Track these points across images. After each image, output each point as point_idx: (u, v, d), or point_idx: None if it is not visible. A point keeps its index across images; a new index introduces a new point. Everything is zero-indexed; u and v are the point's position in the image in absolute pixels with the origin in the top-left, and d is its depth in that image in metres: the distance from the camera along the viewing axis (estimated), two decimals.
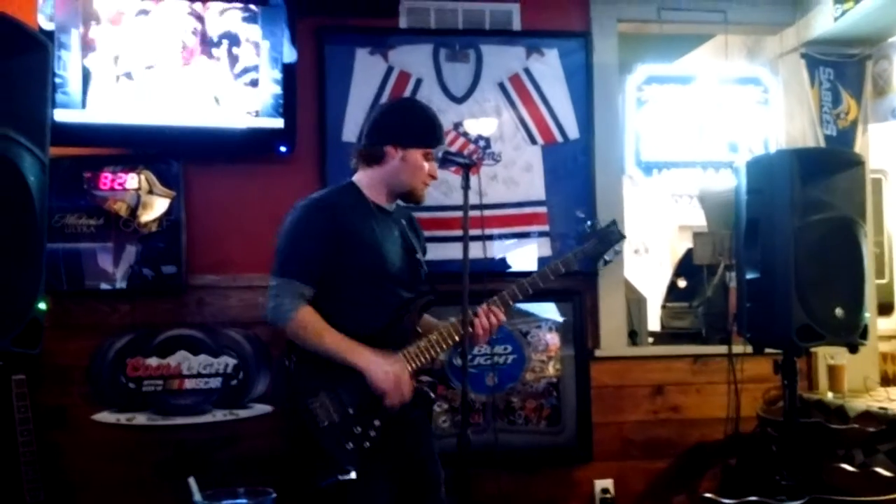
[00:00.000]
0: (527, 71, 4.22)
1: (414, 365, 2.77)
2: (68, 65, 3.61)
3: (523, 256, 4.15)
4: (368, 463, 2.66)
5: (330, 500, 2.71)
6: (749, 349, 3.50)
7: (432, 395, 2.88)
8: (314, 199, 2.88)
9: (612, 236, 3.06)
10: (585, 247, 3.05)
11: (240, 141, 3.82)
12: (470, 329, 2.77)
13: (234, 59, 3.79)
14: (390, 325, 2.81)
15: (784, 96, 4.49)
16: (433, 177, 2.92)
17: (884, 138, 4.92)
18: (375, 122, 2.96)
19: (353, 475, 2.61)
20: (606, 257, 3.09)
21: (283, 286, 2.74)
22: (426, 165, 2.86)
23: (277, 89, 3.83)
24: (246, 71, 3.80)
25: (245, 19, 3.80)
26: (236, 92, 3.79)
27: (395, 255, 2.87)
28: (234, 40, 3.79)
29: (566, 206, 4.19)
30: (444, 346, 2.81)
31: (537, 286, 2.93)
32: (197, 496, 2.99)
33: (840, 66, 4.39)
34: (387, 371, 2.69)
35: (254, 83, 3.80)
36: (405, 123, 2.90)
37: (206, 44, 3.77)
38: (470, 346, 2.87)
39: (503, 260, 4.14)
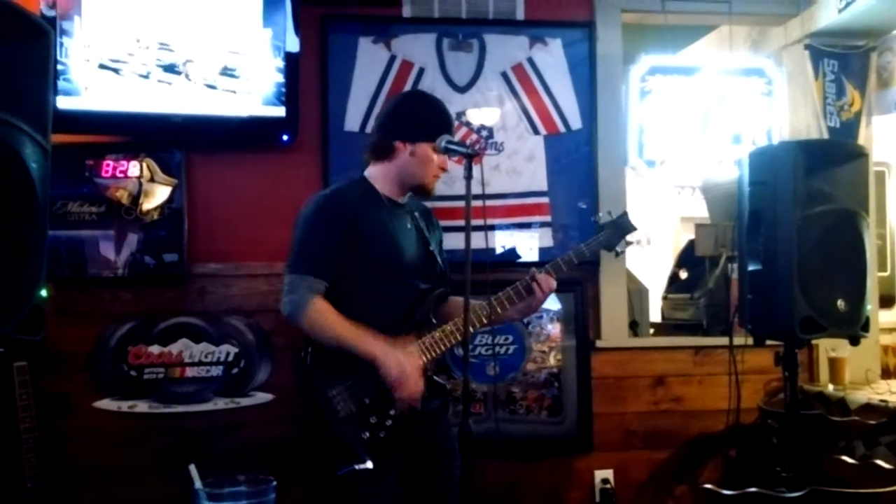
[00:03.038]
0: (530, 61, 4.21)
1: (429, 356, 2.78)
2: (70, 52, 3.60)
3: (525, 247, 4.15)
4: (383, 455, 2.66)
5: (340, 491, 2.71)
6: (750, 341, 3.49)
7: (447, 385, 2.89)
8: (327, 194, 2.89)
9: (624, 227, 3.08)
10: (599, 237, 3.06)
11: (242, 129, 3.81)
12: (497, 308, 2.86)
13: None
14: (406, 318, 2.81)
15: (788, 88, 4.47)
16: (444, 169, 2.92)
17: (887, 131, 4.90)
18: (384, 116, 2.97)
19: (369, 464, 2.62)
20: (618, 248, 3.10)
21: (296, 281, 2.74)
22: (436, 158, 2.85)
23: (280, 78, 3.82)
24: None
25: None
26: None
27: (409, 247, 2.88)
28: None
29: (568, 196, 4.19)
30: (459, 337, 2.81)
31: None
32: (198, 484, 3.00)
33: (844, 58, 4.37)
34: (398, 363, 2.69)
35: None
36: (413, 117, 2.91)
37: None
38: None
39: (505, 250, 4.13)
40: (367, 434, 2.67)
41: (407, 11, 4.16)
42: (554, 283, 2.93)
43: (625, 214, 3.12)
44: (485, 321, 2.85)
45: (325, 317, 2.71)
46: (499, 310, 2.87)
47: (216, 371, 3.86)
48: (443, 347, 2.80)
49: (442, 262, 3.02)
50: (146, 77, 3.69)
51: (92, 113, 3.65)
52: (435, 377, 2.83)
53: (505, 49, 4.20)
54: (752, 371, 3.97)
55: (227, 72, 3.76)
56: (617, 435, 4.22)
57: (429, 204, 3.21)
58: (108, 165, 3.84)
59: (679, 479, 4.24)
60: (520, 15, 4.23)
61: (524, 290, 2.89)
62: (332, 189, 2.93)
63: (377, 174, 2.92)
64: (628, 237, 3.13)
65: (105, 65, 3.65)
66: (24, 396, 3.42)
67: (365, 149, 3.00)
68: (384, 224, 2.84)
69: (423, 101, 3.00)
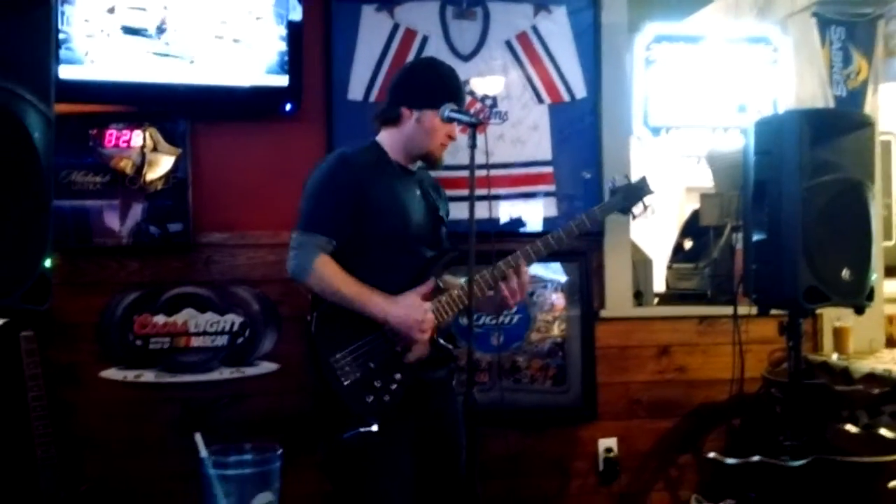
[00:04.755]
0: (534, 29, 4.18)
1: (436, 320, 2.76)
2: (72, 20, 3.58)
3: (529, 216, 4.14)
4: (389, 422, 2.66)
5: (347, 459, 2.72)
6: (754, 310, 3.50)
7: (454, 352, 2.87)
8: (338, 155, 2.88)
9: (640, 191, 3.03)
10: (611, 201, 3.02)
11: (246, 99, 3.80)
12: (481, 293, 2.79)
13: None
14: (412, 285, 2.80)
15: (794, 56, 4.43)
16: (452, 137, 2.90)
17: (894, 100, 4.88)
18: (394, 82, 2.97)
19: (374, 427, 2.63)
20: (635, 211, 3.06)
21: (303, 240, 2.74)
22: (442, 127, 2.84)
23: (283, 46, 3.80)
24: None
25: None
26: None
27: (418, 215, 2.87)
28: None
29: (573, 166, 4.18)
30: (465, 303, 2.78)
31: (562, 242, 2.90)
32: (203, 452, 3.03)
33: (851, 26, 4.34)
34: (404, 305, 2.69)
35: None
36: (419, 84, 2.89)
37: None
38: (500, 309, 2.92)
39: (509, 220, 4.13)
40: (372, 398, 2.67)
41: None
42: (524, 277, 2.88)
43: (643, 179, 3.08)
44: (482, 295, 2.82)
45: (329, 274, 2.69)
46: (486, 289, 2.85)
47: (221, 340, 3.87)
48: (450, 312, 2.79)
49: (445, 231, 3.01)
50: (150, 46, 3.67)
51: (95, 82, 3.63)
52: (441, 341, 2.81)
53: (509, 17, 4.16)
54: (757, 341, 3.97)
55: (230, 40, 3.74)
56: (621, 404, 4.23)
57: (433, 173, 3.20)
58: (111, 135, 3.82)
59: (683, 449, 4.26)
60: None
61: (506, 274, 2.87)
62: (343, 151, 2.90)
63: (387, 140, 2.91)
64: (645, 199, 3.08)
65: (108, 33, 3.62)
66: (32, 365, 3.42)
67: (375, 114, 2.99)
68: (393, 191, 2.82)
69: (431, 69, 2.97)
